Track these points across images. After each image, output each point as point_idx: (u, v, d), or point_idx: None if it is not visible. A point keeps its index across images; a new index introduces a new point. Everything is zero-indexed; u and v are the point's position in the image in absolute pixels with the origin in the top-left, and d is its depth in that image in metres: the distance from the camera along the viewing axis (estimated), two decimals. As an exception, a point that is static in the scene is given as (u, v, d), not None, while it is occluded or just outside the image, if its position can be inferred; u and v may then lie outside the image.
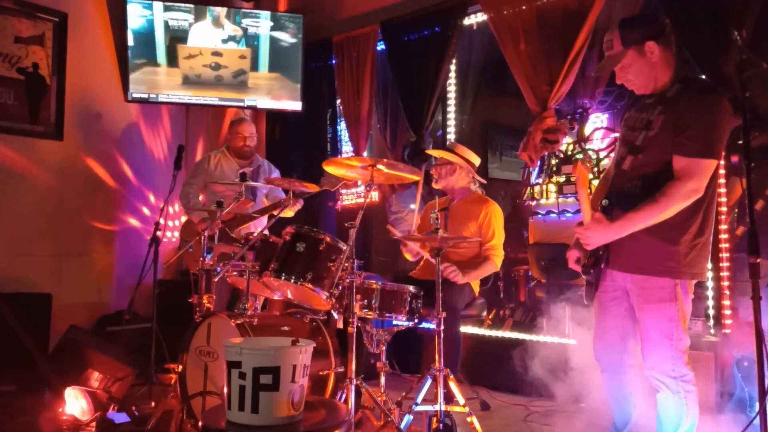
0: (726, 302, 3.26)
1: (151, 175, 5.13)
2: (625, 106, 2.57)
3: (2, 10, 4.28)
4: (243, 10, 4.98)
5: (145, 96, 4.86)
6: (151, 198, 5.11)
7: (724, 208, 3.29)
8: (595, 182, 3.18)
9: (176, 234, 5.26)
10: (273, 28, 4.92)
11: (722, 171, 3.20)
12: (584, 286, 2.50)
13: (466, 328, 4.06)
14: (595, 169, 3.64)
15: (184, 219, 4.83)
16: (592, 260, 2.39)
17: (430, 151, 3.92)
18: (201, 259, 3.23)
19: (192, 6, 4.82)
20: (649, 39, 2.26)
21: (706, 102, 2.19)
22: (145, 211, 5.07)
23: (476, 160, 3.67)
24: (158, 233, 3.76)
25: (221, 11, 4.86)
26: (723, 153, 2.24)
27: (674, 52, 2.32)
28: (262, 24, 4.90)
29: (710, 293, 3.35)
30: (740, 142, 2.64)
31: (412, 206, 5.02)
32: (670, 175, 2.19)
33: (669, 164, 2.20)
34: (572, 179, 3.85)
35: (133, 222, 5.00)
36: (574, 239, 2.47)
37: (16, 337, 3.72)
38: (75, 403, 3.23)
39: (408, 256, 3.77)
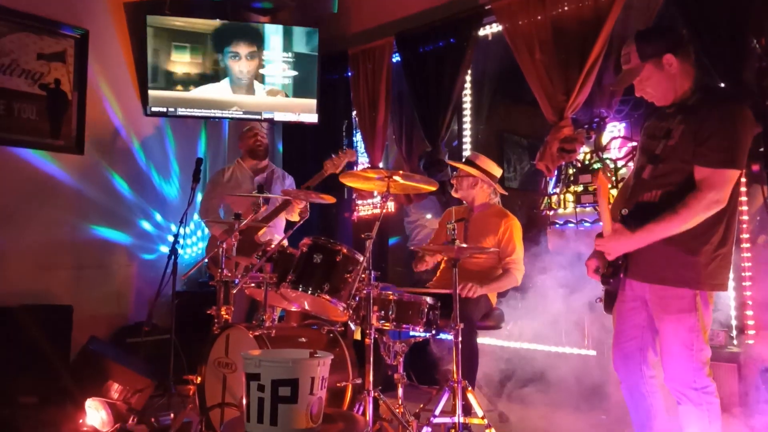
0: (749, 312, 3.21)
1: (170, 188, 5.19)
2: (645, 115, 2.55)
3: (25, 28, 4.38)
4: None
5: (164, 110, 4.93)
6: (170, 210, 5.17)
7: (745, 217, 3.24)
8: (614, 192, 3.16)
9: (194, 250, 5.31)
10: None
11: (743, 179, 3.16)
12: (603, 296, 2.48)
13: (484, 339, 4.04)
14: (613, 178, 3.61)
15: (206, 232, 4.88)
16: (611, 269, 2.37)
17: (452, 162, 3.92)
18: (220, 270, 3.25)
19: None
20: (667, 51, 2.23)
21: (727, 111, 2.16)
22: (164, 223, 5.12)
23: (497, 172, 3.67)
24: (177, 245, 3.81)
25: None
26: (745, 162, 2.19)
27: (693, 62, 2.29)
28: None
29: (732, 303, 3.30)
30: (761, 149, 2.62)
31: (428, 216, 5.03)
32: (690, 185, 2.16)
33: (689, 173, 2.18)
34: (590, 189, 3.83)
35: (153, 234, 5.05)
36: (593, 248, 2.46)
37: (38, 349, 3.77)
38: (95, 414, 3.27)
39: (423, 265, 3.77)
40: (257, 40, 5.00)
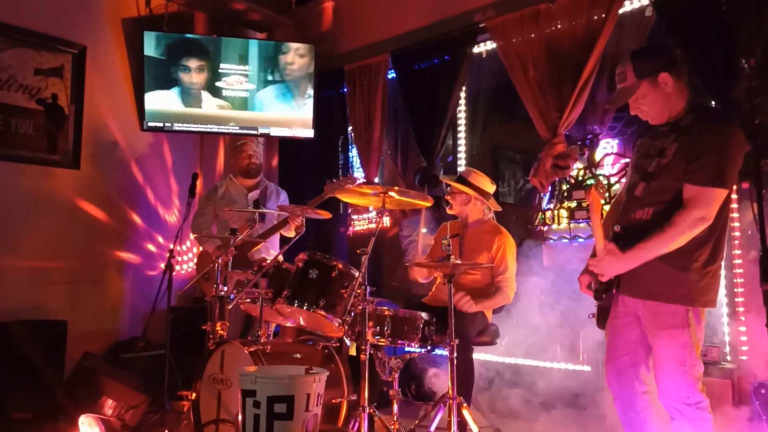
0: (742, 328, 3.23)
1: (166, 203, 5.20)
2: (638, 133, 2.58)
3: (24, 44, 4.41)
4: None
5: (160, 125, 4.95)
6: (166, 225, 5.17)
7: (737, 233, 3.27)
8: (606, 207, 3.19)
9: (189, 266, 5.30)
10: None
11: (734, 196, 3.20)
12: (596, 311, 2.50)
13: (479, 355, 4.04)
14: (607, 195, 3.65)
15: (198, 248, 4.87)
16: (603, 285, 2.39)
17: (444, 178, 3.94)
18: (215, 285, 3.26)
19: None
20: (663, 70, 2.27)
21: (719, 131, 2.19)
22: (160, 238, 5.12)
23: (490, 188, 3.68)
24: (172, 260, 3.80)
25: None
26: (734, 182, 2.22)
27: (687, 82, 2.32)
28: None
29: (725, 319, 3.32)
30: (751, 167, 2.65)
31: (424, 230, 5.04)
32: (681, 204, 2.19)
33: (680, 193, 2.21)
34: (584, 204, 3.86)
35: (148, 249, 5.05)
36: (586, 265, 2.48)
37: (32, 364, 3.75)
38: (89, 430, 3.25)
39: (419, 278, 3.79)
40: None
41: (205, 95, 5.00)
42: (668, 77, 2.27)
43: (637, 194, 2.34)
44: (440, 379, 3.79)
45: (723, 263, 3.08)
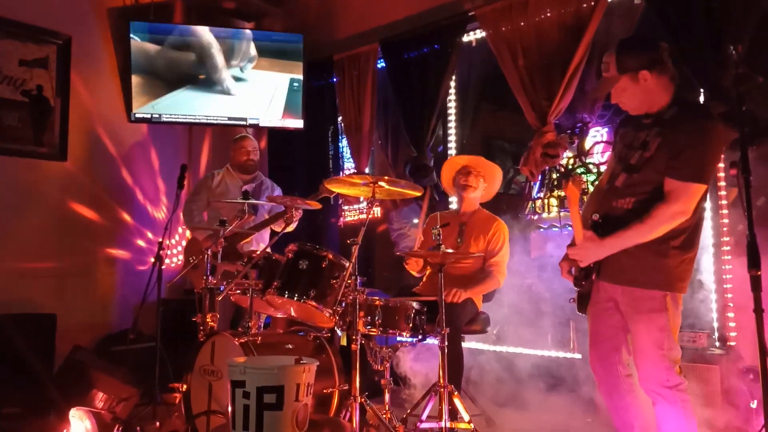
0: (730, 314, 3.26)
1: (155, 195, 5.16)
2: (621, 121, 2.59)
3: (7, 34, 4.34)
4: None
5: (148, 116, 4.90)
6: (155, 217, 5.14)
7: (726, 220, 3.29)
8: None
9: (179, 259, 5.26)
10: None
11: (722, 183, 3.23)
12: (576, 297, 2.53)
13: (470, 344, 4.06)
14: (583, 187, 3.65)
15: (188, 238, 4.84)
16: (583, 272, 2.43)
17: (474, 158, 3.82)
18: (204, 277, 3.24)
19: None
20: (643, 69, 2.28)
21: (701, 127, 2.23)
22: (149, 230, 5.09)
23: (499, 181, 3.75)
24: (161, 252, 3.78)
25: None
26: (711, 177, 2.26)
27: (671, 76, 2.32)
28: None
29: (714, 305, 3.35)
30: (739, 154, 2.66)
31: (415, 221, 5.04)
32: (662, 196, 2.23)
33: (661, 185, 2.24)
34: (562, 194, 3.88)
35: (137, 241, 5.02)
36: (566, 252, 2.50)
37: (21, 358, 3.73)
38: (79, 424, 3.22)
39: (413, 272, 3.79)
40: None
41: (186, 85, 4.97)
42: (648, 75, 2.28)
43: (618, 185, 2.37)
44: (405, 363, 3.81)
45: (713, 250, 3.13)
